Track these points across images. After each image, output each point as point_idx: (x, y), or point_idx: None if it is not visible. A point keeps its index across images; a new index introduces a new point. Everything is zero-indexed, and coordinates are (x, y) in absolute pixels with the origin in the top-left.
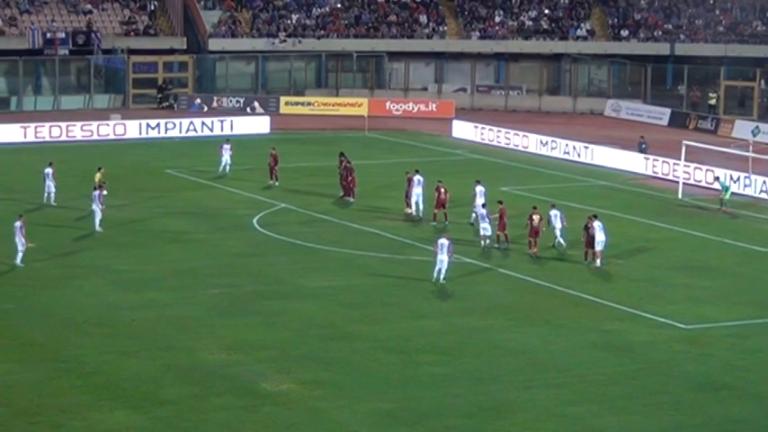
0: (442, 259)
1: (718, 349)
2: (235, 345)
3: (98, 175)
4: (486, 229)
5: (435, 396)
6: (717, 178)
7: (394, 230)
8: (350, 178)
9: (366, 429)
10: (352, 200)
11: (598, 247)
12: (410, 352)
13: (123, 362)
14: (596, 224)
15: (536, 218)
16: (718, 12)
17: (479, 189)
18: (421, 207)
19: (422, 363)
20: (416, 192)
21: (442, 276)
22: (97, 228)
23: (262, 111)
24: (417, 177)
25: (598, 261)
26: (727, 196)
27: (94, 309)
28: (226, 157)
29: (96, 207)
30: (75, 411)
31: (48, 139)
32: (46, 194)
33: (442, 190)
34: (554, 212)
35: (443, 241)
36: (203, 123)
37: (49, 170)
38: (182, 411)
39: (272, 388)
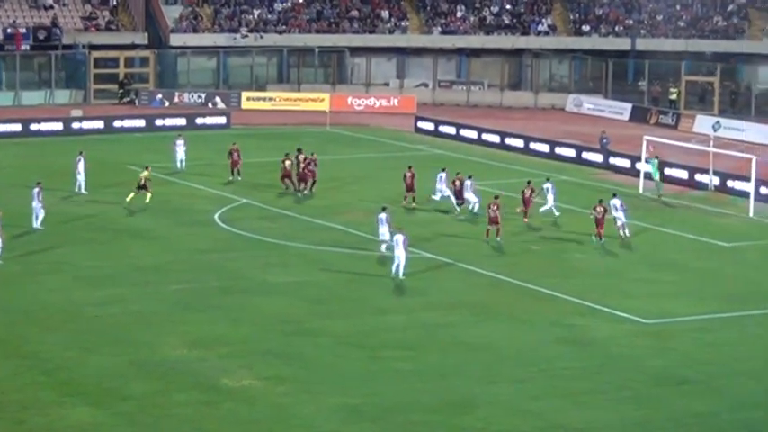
0: (399, 255)
1: (680, 343)
2: (197, 340)
3: (145, 173)
4: (382, 234)
5: (399, 391)
6: (647, 160)
7: (356, 226)
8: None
9: (330, 425)
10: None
11: (618, 222)
12: (374, 347)
13: (86, 358)
14: (613, 202)
15: (600, 210)
16: (678, 7)
17: (441, 175)
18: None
19: (386, 358)
20: (439, 186)
21: (401, 272)
22: (37, 225)
23: (223, 106)
24: (441, 174)
25: (625, 231)
26: (656, 177)
27: (57, 305)
28: (180, 153)
29: (37, 204)
30: (38, 407)
31: (8, 134)
32: (77, 184)
33: (408, 174)
34: (614, 202)
35: (399, 237)
36: (165, 118)
37: (80, 157)
38: (144, 407)
39: (234, 384)
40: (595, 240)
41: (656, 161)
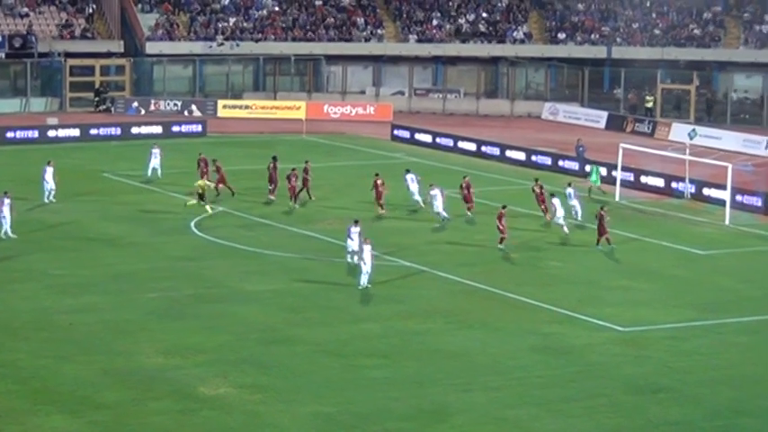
0: (365, 264)
1: (656, 351)
2: (173, 349)
3: (201, 183)
4: (349, 245)
5: (375, 399)
6: (594, 162)
7: (333, 234)
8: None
9: None
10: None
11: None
12: (349, 355)
13: (60, 366)
14: (555, 200)
15: (601, 215)
16: (654, 15)
17: (410, 176)
18: (420, 199)
19: (361, 366)
20: (413, 188)
21: (366, 281)
22: (10, 234)
23: (199, 114)
24: (410, 176)
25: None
26: (594, 181)
27: (31, 313)
28: (154, 161)
29: (5, 215)
30: (12, 416)
31: None
32: (46, 193)
33: (379, 182)
34: (569, 191)
35: (366, 246)
36: (140, 126)
37: (49, 168)
38: (119, 416)
39: (210, 392)
40: (602, 246)
41: (597, 167)
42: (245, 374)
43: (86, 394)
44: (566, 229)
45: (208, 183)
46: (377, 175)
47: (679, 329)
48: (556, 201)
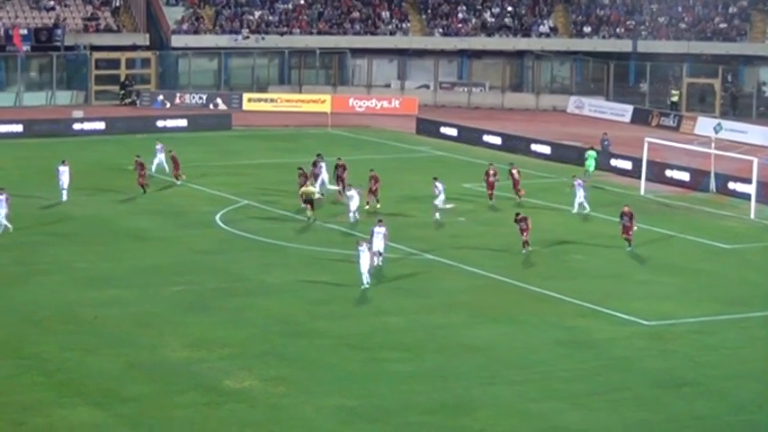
0: (365, 261)
1: (680, 345)
2: (198, 342)
3: (305, 190)
4: (374, 245)
5: (398, 392)
6: (591, 147)
7: (356, 227)
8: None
9: (328, 426)
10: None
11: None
12: (373, 348)
13: (86, 359)
14: (438, 183)
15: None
16: (680, 9)
17: (438, 185)
18: (329, 187)
19: (385, 359)
20: (325, 178)
21: (364, 280)
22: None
23: (225, 107)
24: (322, 163)
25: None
26: (589, 166)
27: (57, 306)
28: (160, 157)
29: (1, 211)
30: (38, 408)
31: (10, 135)
32: (61, 190)
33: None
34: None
35: (364, 244)
36: (166, 120)
37: (64, 168)
38: (144, 408)
39: (234, 385)
40: (627, 247)
41: (593, 153)
42: (269, 367)
43: (111, 387)
44: (439, 212)
45: (312, 189)
46: (371, 169)
47: (704, 323)
48: (439, 184)
